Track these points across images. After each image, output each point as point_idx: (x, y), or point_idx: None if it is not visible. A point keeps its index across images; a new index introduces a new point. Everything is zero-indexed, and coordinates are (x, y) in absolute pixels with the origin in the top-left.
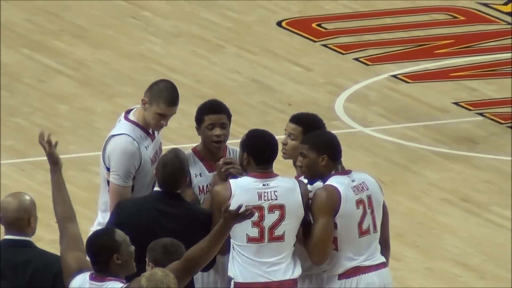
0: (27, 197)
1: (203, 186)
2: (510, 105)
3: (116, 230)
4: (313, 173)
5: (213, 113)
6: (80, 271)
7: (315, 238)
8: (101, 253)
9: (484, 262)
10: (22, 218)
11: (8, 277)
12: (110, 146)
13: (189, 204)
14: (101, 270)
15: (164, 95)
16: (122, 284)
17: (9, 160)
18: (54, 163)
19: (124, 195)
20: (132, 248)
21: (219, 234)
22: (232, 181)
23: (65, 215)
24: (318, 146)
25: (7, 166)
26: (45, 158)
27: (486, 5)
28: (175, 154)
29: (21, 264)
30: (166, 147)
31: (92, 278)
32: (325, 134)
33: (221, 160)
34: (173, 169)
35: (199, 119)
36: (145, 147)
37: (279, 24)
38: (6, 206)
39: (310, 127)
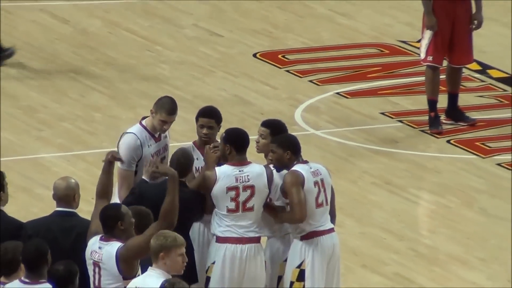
0: (73, 180)
1: (199, 167)
2: (422, 114)
3: (122, 205)
4: (280, 164)
5: (204, 117)
6: (96, 233)
7: (296, 201)
8: (109, 219)
9: (402, 228)
10: (69, 195)
11: (59, 238)
12: (120, 141)
13: (187, 188)
14: (108, 233)
15: (165, 107)
16: (121, 244)
17: (59, 153)
18: (111, 163)
19: (127, 177)
20: (133, 220)
21: (174, 188)
22: (217, 169)
23: (101, 194)
24: (284, 144)
25: (57, 158)
26: (85, 151)
27: (404, 42)
28: (182, 153)
29: (68, 228)
30: (173, 145)
31: (101, 239)
32: (288, 136)
33: (209, 145)
34: (179, 164)
35: (196, 119)
36: (148, 145)
37: (254, 55)
38: (57, 186)
39: (276, 130)
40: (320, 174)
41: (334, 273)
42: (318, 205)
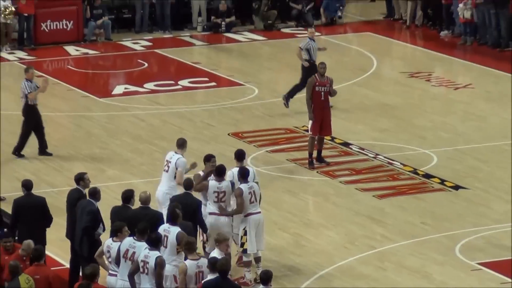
0: (148, 192)
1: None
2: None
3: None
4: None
5: (208, 161)
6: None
7: (239, 202)
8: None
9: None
10: (148, 200)
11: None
12: (179, 160)
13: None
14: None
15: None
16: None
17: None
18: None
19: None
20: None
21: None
22: (208, 182)
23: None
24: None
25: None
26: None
27: (296, 127)
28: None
29: (149, 214)
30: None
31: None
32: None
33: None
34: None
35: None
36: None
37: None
38: (142, 195)
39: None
40: (253, 187)
41: (260, 234)
42: (251, 202)
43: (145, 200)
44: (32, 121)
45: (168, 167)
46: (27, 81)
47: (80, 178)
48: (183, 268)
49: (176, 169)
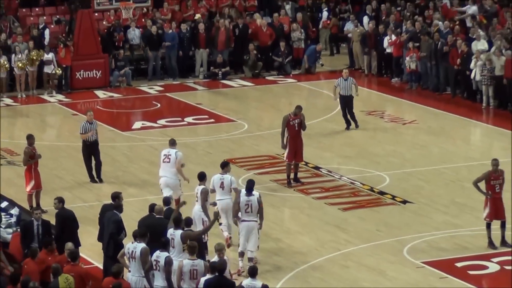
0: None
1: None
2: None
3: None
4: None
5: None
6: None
7: (235, 207)
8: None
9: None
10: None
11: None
12: (178, 153)
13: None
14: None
15: None
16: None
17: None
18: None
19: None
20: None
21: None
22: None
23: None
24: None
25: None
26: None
27: (278, 154)
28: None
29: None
30: None
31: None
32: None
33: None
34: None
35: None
36: None
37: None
38: (157, 208)
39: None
40: (251, 201)
41: (251, 238)
42: (246, 211)
43: (160, 211)
44: (85, 154)
45: (169, 159)
46: (86, 122)
47: (116, 196)
48: (180, 265)
49: (176, 158)
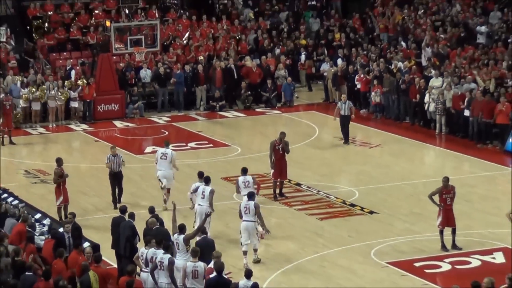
0: (154, 219)
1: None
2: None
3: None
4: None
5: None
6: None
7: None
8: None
9: None
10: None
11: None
12: (173, 152)
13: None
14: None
15: None
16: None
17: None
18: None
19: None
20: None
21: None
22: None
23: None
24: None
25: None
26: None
27: (266, 173)
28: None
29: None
30: None
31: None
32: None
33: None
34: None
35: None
36: None
37: None
38: (150, 221)
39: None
40: (249, 205)
41: (252, 233)
42: (245, 213)
43: (153, 223)
44: (110, 182)
45: (166, 157)
46: (110, 155)
47: (125, 210)
48: (184, 266)
49: (172, 156)
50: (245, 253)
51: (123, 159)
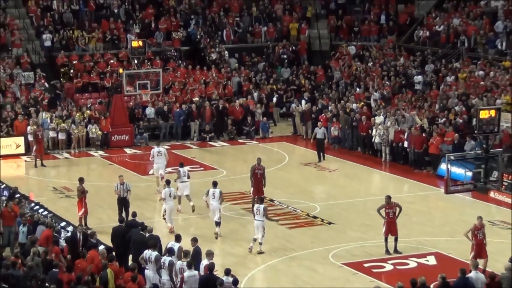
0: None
1: None
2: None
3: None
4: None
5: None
6: None
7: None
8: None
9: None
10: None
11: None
12: (166, 151)
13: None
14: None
15: None
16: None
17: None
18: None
19: None
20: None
21: None
22: None
23: None
24: None
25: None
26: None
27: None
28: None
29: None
30: None
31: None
32: None
33: None
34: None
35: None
36: None
37: None
38: (149, 228)
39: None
40: (259, 208)
41: (261, 231)
42: (257, 214)
43: (150, 230)
44: (118, 206)
45: (161, 154)
46: (118, 183)
47: (123, 220)
48: (182, 277)
49: (165, 153)
50: (254, 240)
51: (129, 188)
